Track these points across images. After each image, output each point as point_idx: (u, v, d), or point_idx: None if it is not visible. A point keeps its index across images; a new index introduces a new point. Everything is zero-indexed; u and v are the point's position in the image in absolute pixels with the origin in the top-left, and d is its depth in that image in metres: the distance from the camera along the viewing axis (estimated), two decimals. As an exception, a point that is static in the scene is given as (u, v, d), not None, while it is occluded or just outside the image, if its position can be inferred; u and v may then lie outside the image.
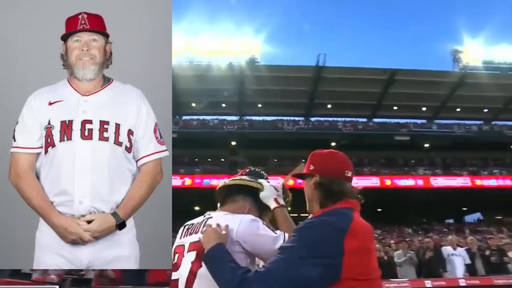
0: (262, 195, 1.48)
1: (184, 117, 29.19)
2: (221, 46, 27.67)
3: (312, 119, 29.83)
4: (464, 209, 27.71)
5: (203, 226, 1.33)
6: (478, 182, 22.30)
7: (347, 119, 29.10)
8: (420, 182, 22.07)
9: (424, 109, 30.52)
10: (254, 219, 1.33)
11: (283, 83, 27.92)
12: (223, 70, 27.01)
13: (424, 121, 30.16)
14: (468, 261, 7.34)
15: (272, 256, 1.13)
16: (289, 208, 1.59)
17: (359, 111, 30.13)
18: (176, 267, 1.35)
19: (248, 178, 1.52)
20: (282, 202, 1.51)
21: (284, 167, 24.65)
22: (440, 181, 22.30)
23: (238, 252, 1.23)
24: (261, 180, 1.52)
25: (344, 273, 1.03)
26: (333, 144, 26.17)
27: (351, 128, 26.09)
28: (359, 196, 1.36)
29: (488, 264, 7.49)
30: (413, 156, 27.10)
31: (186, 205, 26.10)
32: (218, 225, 1.28)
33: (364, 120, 29.94)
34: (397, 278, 7.28)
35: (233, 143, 26.02)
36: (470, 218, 28.42)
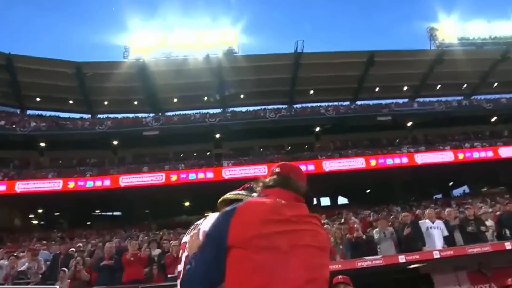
0: None
1: (167, 113, 28.83)
2: (197, 39, 27.26)
3: (296, 106, 29.76)
4: (451, 183, 28.18)
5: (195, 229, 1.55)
6: (461, 156, 22.61)
7: (330, 103, 29.12)
8: (404, 160, 22.25)
9: (405, 88, 30.74)
10: None
11: (264, 72, 27.75)
12: (201, 63, 26.69)
13: (406, 100, 30.38)
14: (446, 233, 7.39)
15: None
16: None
17: (341, 95, 30.22)
18: (180, 261, 1.56)
19: (243, 193, 1.65)
20: None
21: (270, 156, 24.62)
22: (423, 158, 22.51)
23: None
24: (254, 194, 1.60)
25: (230, 240, 1.17)
26: (317, 129, 26.24)
27: (334, 112, 26.06)
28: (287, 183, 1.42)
29: (466, 234, 7.54)
30: (396, 136, 27.34)
31: (176, 202, 26.02)
32: (198, 233, 1.48)
33: (347, 103, 29.98)
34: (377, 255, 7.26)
35: (217, 135, 25.79)
36: (457, 192, 28.93)
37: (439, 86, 30.55)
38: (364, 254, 7.04)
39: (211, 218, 1.51)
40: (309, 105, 29.00)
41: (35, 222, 24.56)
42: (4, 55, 23.68)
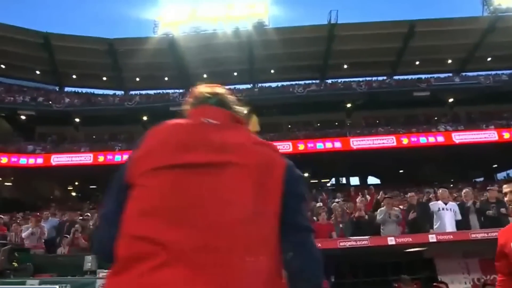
0: None
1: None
2: (226, 11, 26.72)
3: (328, 81, 28.54)
4: (495, 166, 25.85)
5: None
6: (507, 135, 20.42)
7: (364, 78, 27.55)
8: (440, 139, 20.55)
9: (449, 61, 28.21)
10: None
11: (295, 45, 26.80)
12: (230, 37, 26.24)
13: (450, 74, 27.90)
14: (459, 217, 6.62)
15: None
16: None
17: (378, 70, 28.48)
18: None
19: None
20: None
21: (299, 132, 23.98)
22: (462, 137, 20.63)
23: None
24: None
25: (127, 177, 0.86)
26: (348, 105, 25.03)
27: (366, 87, 24.57)
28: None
29: (485, 218, 6.72)
30: (435, 113, 25.32)
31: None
32: None
33: (384, 78, 28.19)
34: (379, 237, 6.69)
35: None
36: (503, 175, 26.48)
37: (489, 59, 27.63)
38: (365, 235, 6.54)
39: None
40: (341, 80, 27.64)
41: (73, 194, 26.22)
42: (42, 34, 24.83)
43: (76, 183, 25.80)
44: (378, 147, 20.32)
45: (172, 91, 27.69)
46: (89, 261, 6.04)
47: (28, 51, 25.30)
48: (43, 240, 7.67)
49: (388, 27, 25.77)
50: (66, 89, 28.57)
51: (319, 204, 8.77)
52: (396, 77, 27.96)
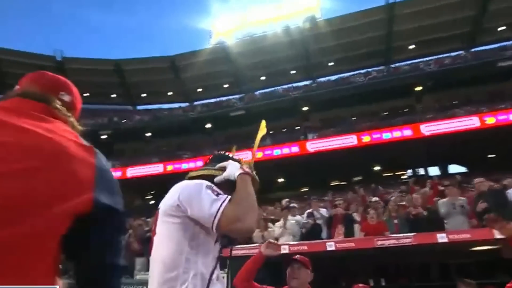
0: (225, 174, 1.39)
1: (256, 93, 29.04)
2: (277, 11, 26.53)
3: (392, 66, 26.32)
4: None
5: None
6: None
7: (436, 57, 24.73)
8: (536, 113, 17.26)
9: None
10: (198, 183, 1.28)
11: (353, 33, 25.49)
12: (283, 36, 25.92)
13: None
14: (551, 203, 5.24)
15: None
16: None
17: (452, 45, 25.41)
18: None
19: (207, 168, 1.48)
20: (248, 170, 1.41)
21: (364, 124, 22.39)
22: None
23: (180, 217, 1.22)
24: (220, 164, 1.45)
25: None
26: (417, 88, 22.67)
27: (436, 65, 21.93)
28: None
29: None
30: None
31: (269, 179, 26.30)
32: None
33: (460, 53, 24.95)
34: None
35: (304, 108, 24.73)
36: None
37: None
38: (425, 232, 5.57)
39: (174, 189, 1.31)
40: (405, 63, 25.29)
41: (151, 202, 28.20)
42: (112, 61, 27.40)
43: (152, 192, 27.76)
44: (456, 131, 17.82)
45: (232, 97, 28.27)
46: (139, 264, 6.66)
47: (104, 78, 28.13)
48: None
49: (457, -6, 22.85)
50: (138, 107, 31.06)
51: (375, 198, 7.80)
52: (474, 50, 24.54)
